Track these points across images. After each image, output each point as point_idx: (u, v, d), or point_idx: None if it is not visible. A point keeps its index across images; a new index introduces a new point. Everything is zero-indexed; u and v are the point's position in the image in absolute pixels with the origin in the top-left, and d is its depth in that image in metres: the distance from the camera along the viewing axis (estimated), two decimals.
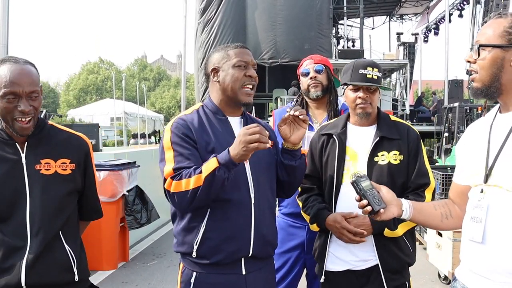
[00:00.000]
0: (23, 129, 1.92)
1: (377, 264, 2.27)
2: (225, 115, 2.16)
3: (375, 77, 2.32)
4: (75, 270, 2.01)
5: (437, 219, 1.89)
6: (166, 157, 2.04)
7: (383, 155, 2.31)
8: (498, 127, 1.65)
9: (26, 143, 1.98)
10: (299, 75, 2.92)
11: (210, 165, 1.92)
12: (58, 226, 1.98)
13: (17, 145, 1.98)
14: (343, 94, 2.42)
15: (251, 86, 2.12)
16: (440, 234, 4.95)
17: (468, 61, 1.68)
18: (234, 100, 2.12)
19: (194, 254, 2.04)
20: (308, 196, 2.45)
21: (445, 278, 4.94)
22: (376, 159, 2.31)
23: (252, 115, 2.36)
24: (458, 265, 1.77)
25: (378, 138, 2.31)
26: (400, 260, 2.31)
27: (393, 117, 2.48)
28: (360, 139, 2.37)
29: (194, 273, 2.07)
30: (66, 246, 2.00)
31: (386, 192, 1.86)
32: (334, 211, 2.32)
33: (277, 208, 2.81)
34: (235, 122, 2.18)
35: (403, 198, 1.92)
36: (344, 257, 2.32)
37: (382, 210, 1.80)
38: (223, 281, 2.05)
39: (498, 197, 1.58)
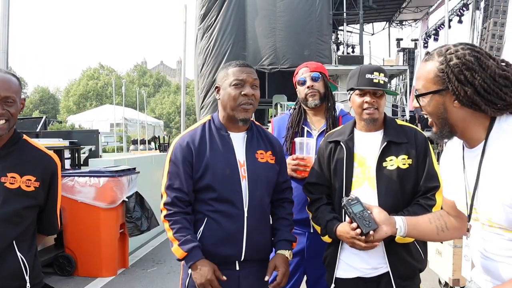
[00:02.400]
0: None
1: (388, 271, 2.26)
2: (227, 131, 2.27)
3: (381, 82, 2.32)
4: (27, 278, 2.08)
5: (433, 232, 1.92)
6: (164, 170, 2.27)
7: (391, 160, 2.29)
8: (468, 163, 1.61)
9: None
10: (295, 83, 2.90)
11: (179, 252, 2.15)
12: (12, 237, 2.04)
13: None
14: (349, 99, 2.40)
15: (247, 105, 2.21)
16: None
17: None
18: (232, 116, 2.24)
19: None
20: (317, 207, 2.43)
21: (446, 284, 4.92)
22: (384, 164, 2.29)
23: (262, 126, 2.44)
24: (459, 271, 1.81)
25: (385, 143, 2.30)
26: (411, 266, 2.30)
27: (399, 121, 2.46)
28: (368, 145, 2.36)
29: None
30: (19, 255, 2.06)
31: (378, 212, 1.92)
32: (344, 219, 2.29)
33: None
34: (238, 137, 2.29)
35: (397, 216, 1.95)
36: (355, 264, 2.31)
37: (371, 232, 1.89)
38: None
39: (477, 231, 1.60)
